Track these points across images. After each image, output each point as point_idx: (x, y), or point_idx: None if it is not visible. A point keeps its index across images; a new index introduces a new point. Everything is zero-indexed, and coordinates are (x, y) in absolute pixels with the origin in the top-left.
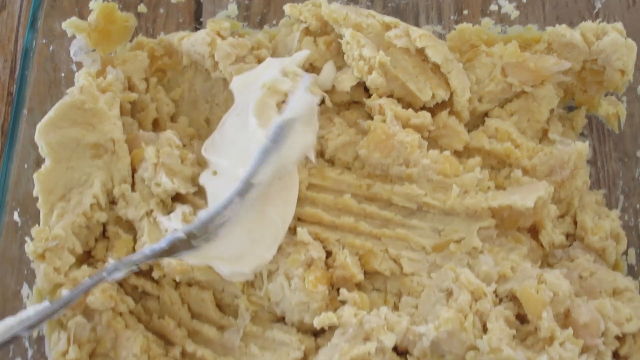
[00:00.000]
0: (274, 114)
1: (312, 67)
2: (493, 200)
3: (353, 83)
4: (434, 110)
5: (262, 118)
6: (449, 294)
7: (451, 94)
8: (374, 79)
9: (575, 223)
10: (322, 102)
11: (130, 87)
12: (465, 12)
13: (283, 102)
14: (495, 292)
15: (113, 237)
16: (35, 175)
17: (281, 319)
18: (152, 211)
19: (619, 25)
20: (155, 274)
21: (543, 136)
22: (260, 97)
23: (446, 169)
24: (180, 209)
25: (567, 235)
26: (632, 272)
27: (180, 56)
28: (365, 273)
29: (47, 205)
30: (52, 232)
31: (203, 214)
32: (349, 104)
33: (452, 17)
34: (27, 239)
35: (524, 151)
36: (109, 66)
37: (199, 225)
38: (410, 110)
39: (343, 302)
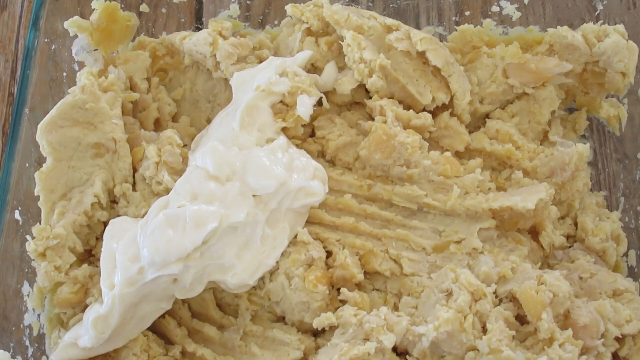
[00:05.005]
0: (264, 117)
1: (313, 68)
2: (494, 201)
3: (353, 86)
4: (435, 112)
5: (249, 120)
6: (449, 294)
7: (452, 97)
8: (374, 82)
9: (576, 224)
10: (320, 103)
11: (132, 87)
12: (467, 13)
13: (280, 102)
14: (495, 292)
15: None
16: (36, 174)
17: (281, 319)
18: None
19: (621, 27)
20: None
21: (544, 138)
22: (250, 100)
23: (447, 170)
24: None
25: (568, 237)
26: (632, 273)
27: (181, 56)
28: (365, 273)
29: (48, 204)
30: (53, 231)
31: None
32: (350, 104)
33: (453, 19)
34: (28, 237)
35: (525, 153)
36: (111, 66)
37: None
38: (411, 111)
39: (343, 302)
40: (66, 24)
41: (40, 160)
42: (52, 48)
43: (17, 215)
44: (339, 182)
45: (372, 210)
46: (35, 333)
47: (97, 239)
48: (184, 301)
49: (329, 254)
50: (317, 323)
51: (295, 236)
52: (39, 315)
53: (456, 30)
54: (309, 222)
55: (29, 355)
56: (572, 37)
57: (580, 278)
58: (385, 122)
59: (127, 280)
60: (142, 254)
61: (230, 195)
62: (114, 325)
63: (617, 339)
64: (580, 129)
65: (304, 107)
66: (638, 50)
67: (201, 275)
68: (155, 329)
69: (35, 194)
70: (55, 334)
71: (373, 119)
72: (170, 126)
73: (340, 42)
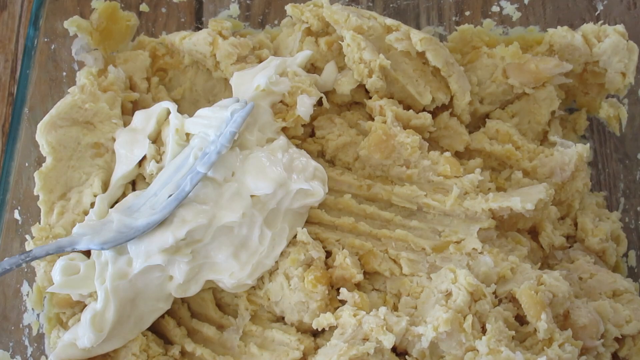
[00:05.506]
0: (265, 116)
1: (313, 68)
2: (493, 201)
3: (353, 86)
4: (435, 112)
5: (249, 120)
6: (448, 294)
7: (451, 97)
8: (373, 82)
9: (576, 225)
10: (320, 103)
11: (132, 87)
12: (467, 13)
13: (280, 102)
14: (494, 293)
15: None
16: (36, 174)
17: (280, 319)
18: None
19: (621, 27)
20: None
21: (544, 138)
22: (250, 99)
23: (446, 170)
24: None
25: (568, 237)
26: (632, 274)
27: (181, 56)
28: (365, 273)
29: (47, 203)
30: (53, 231)
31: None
32: (350, 104)
33: (453, 19)
34: (27, 237)
35: (525, 153)
36: (111, 65)
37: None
38: (411, 111)
39: (343, 302)
40: (66, 24)
41: (40, 160)
42: (52, 48)
43: (16, 214)
44: (339, 182)
45: (371, 210)
46: (34, 333)
47: None
48: (183, 301)
49: (328, 254)
50: (316, 323)
51: (295, 236)
52: (38, 315)
53: (456, 30)
54: (308, 222)
55: (28, 355)
56: (572, 37)
57: (580, 278)
58: (385, 122)
59: (117, 272)
60: (128, 245)
61: (226, 196)
62: (111, 322)
63: (616, 339)
64: (580, 129)
65: (304, 107)
66: (638, 50)
67: (196, 274)
68: (155, 329)
69: (35, 193)
70: (54, 333)
71: (373, 119)
72: None
73: (340, 42)
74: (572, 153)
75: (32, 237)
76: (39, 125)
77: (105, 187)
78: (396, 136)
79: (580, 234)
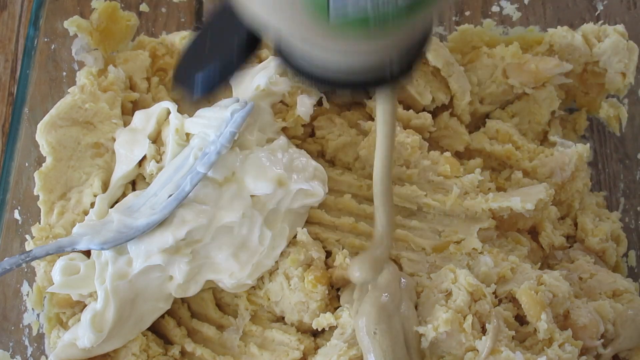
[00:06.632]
0: (265, 117)
1: None
2: (493, 201)
3: None
4: (435, 112)
5: (249, 120)
6: (449, 294)
7: (451, 97)
8: None
9: (576, 225)
10: (320, 103)
11: (132, 87)
12: (467, 13)
13: (281, 102)
14: (494, 293)
15: None
16: (36, 174)
17: (280, 319)
18: None
19: (621, 27)
20: None
21: (544, 138)
22: (250, 99)
23: (446, 170)
24: None
25: (568, 237)
26: (632, 273)
27: None
28: None
29: (47, 203)
30: (53, 231)
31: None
32: (350, 104)
33: (453, 19)
34: (27, 237)
35: (525, 153)
36: (111, 65)
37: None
38: (411, 111)
39: None
40: (66, 24)
41: (40, 160)
42: (52, 48)
43: (16, 214)
44: (339, 182)
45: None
46: (34, 333)
47: None
48: (183, 301)
49: (328, 254)
50: (316, 323)
51: (295, 236)
52: (38, 315)
53: (456, 30)
54: (308, 222)
55: (28, 355)
56: (572, 37)
57: (580, 278)
58: None
59: (117, 272)
60: (128, 245)
61: (226, 196)
62: (111, 322)
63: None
64: (581, 129)
65: (304, 107)
66: (638, 50)
67: (196, 274)
68: (155, 329)
69: (35, 193)
70: (54, 333)
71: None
72: None
73: None
74: (572, 153)
75: (32, 237)
76: (39, 125)
77: (105, 187)
78: (396, 136)
79: (580, 234)
